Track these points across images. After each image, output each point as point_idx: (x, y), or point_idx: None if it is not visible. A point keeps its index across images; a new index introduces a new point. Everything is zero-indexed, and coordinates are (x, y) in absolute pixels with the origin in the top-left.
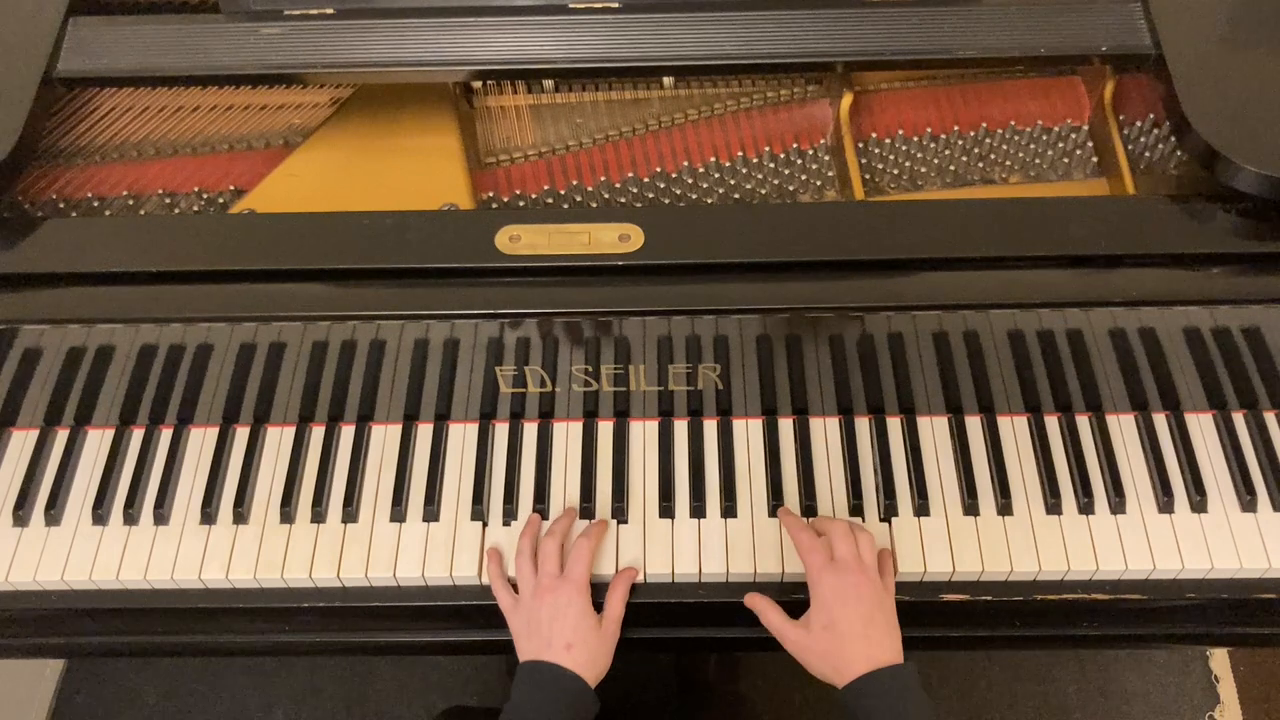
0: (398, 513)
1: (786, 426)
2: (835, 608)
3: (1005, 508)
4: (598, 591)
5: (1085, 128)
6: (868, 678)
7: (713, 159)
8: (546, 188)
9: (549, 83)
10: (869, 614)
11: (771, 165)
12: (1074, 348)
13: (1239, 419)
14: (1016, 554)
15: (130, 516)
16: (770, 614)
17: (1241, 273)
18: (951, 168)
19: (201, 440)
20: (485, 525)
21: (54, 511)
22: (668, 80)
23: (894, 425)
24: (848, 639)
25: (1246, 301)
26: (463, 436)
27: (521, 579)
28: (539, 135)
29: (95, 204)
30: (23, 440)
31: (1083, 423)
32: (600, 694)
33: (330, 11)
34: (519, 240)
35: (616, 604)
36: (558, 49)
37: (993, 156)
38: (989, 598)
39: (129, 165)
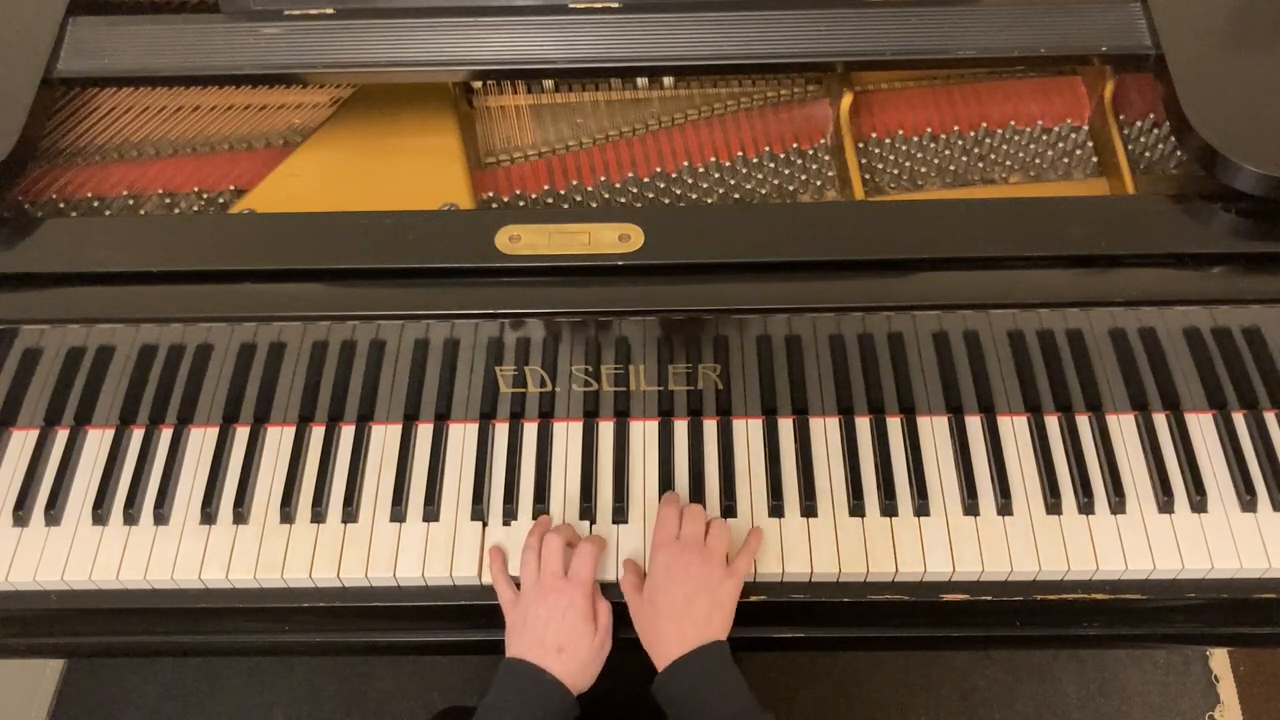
0: (398, 513)
1: (786, 426)
2: (661, 582)
3: (1005, 508)
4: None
5: (1085, 128)
6: (674, 665)
7: (713, 159)
8: (546, 188)
9: (549, 83)
10: (691, 594)
11: (771, 165)
12: (1074, 348)
13: (1239, 419)
14: (1016, 554)
15: (130, 516)
16: (630, 576)
17: (1241, 273)
18: (951, 168)
19: (201, 440)
20: (485, 525)
21: (54, 511)
22: (668, 80)
23: (894, 425)
24: (663, 614)
25: (1246, 301)
26: (463, 436)
27: (525, 573)
28: (539, 135)
29: (95, 204)
30: (23, 440)
31: (1083, 423)
32: (590, 694)
33: (330, 11)
34: (519, 240)
35: (604, 613)
36: (558, 49)
37: (993, 156)
38: (989, 598)
39: (129, 165)
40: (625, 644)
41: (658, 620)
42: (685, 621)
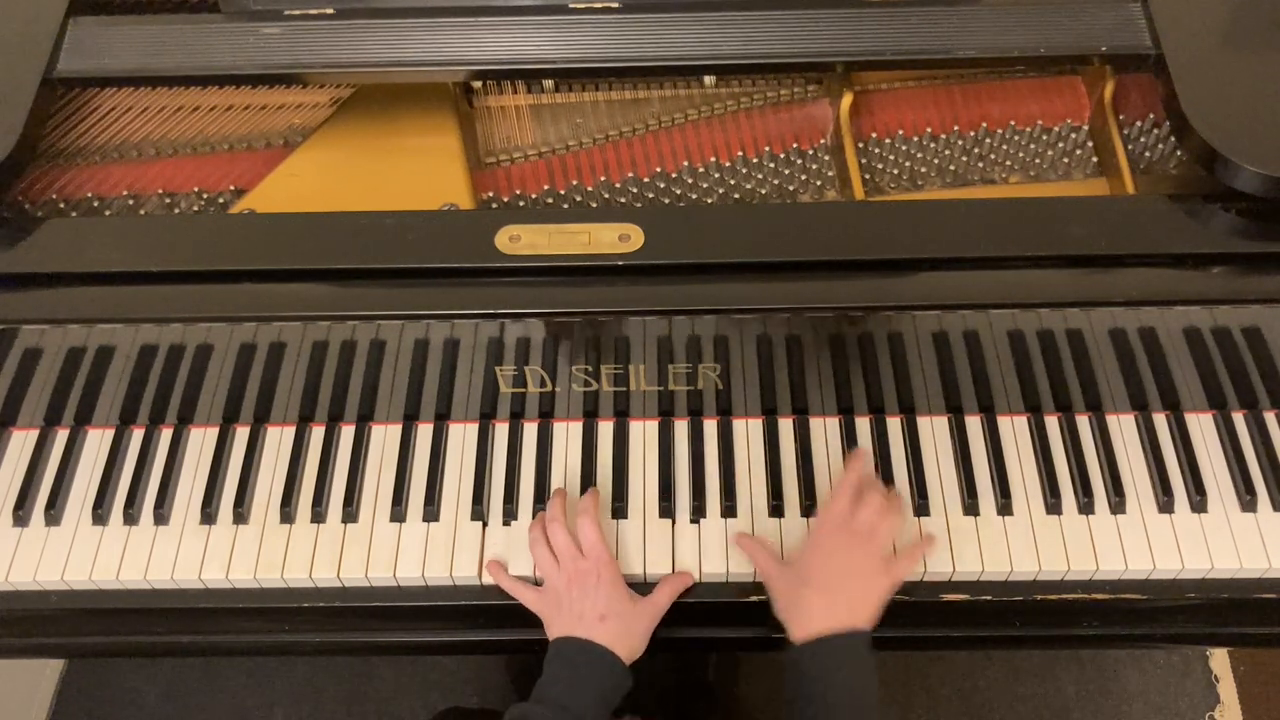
0: (398, 513)
1: (786, 426)
2: (815, 556)
3: (1005, 507)
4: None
5: (1085, 128)
6: (821, 641)
7: (713, 159)
8: (546, 188)
9: (549, 82)
10: (844, 573)
11: (771, 165)
12: (1074, 348)
13: (1239, 419)
14: (1016, 554)
15: (130, 516)
16: (759, 555)
17: (1241, 273)
18: (951, 168)
19: (201, 440)
20: (485, 525)
21: (54, 511)
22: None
23: (894, 425)
24: (814, 584)
25: (1246, 301)
26: (463, 436)
27: (543, 567)
28: (539, 135)
29: (95, 204)
30: (23, 440)
31: (1083, 423)
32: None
33: (330, 11)
34: (519, 240)
35: (664, 595)
36: (558, 49)
37: (993, 156)
38: (989, 598)
39: (129, 165)
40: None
41: (805, 589)
42: (837, 597)
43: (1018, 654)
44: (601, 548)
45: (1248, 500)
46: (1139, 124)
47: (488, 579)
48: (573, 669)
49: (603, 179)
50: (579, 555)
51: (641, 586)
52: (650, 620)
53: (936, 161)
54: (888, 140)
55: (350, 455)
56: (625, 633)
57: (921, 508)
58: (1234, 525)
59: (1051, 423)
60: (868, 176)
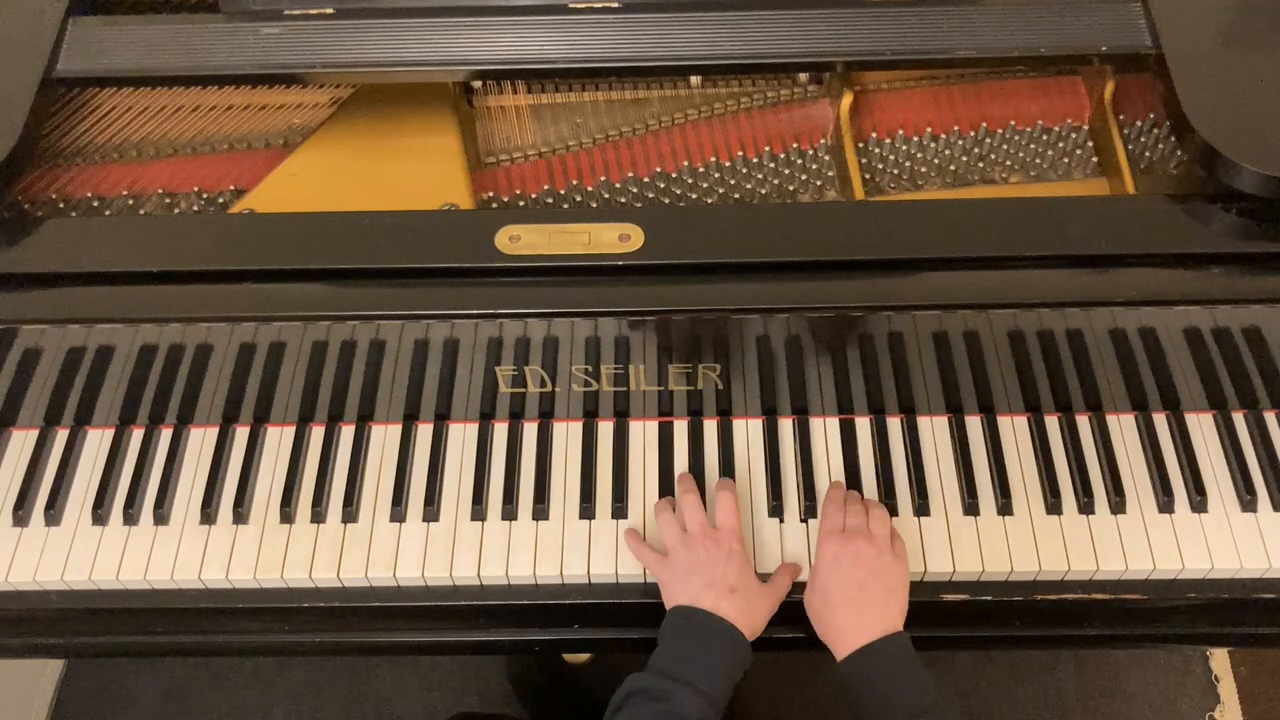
0: (397, 513)
1: (786, 426)
2: (830, 572)
3: (1005, 507)
4: None
5: (1085, 128)
6: (858, 654)
7: (713, 159)
8: (546, 188)
9: (549, 82)
10: (862, 580)
11: (771, 165)
12: (1074, 348)
13: (1239, 419)
14: (1017, 554)
15: (130, 516)
16: (784, 581)
17: (1241, 273)
18: (951, 168)
19: (201, 440)
20: (485, 525)
21: (54, 511)
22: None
23: (894, 425)
24: (839, 604)
25: (1246, 301)
26: (463, 436)
27: (669, 534)
28: (539, 135)
29: (95, 204)
30: (23, 440)
31: (1083, 423)
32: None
33: (330, 11)
34: (519, 240)
35: (785, 583)
36: (558, 49)
37: (993, 156)
38: (989, 598)
39: (129, 165)
40: (629, 644)
41: (834, 611)
42: (863, 610)
43: (1018, 654)
44: (737, 522)
45: (1248, 500)
46: (1139, 124)
47: (487, 579)
48: (699, 642)
49: (603, 179)
50: (710, 526)
51: (641, 588)
52: (772, 606)
53: (936, 161)
54: (888, 140)
55: (350, 455)
56: (750, 611)
57: (921, 508)
58: (1234, 525)
59: (1051, 423)
60: (868, 176)
